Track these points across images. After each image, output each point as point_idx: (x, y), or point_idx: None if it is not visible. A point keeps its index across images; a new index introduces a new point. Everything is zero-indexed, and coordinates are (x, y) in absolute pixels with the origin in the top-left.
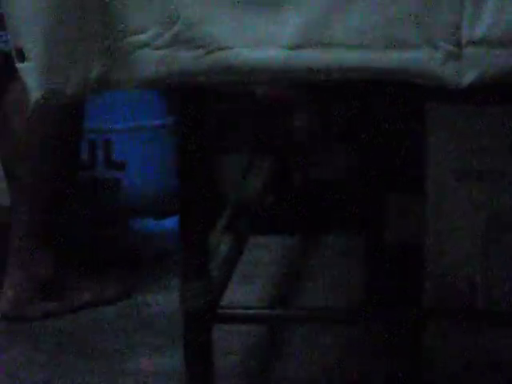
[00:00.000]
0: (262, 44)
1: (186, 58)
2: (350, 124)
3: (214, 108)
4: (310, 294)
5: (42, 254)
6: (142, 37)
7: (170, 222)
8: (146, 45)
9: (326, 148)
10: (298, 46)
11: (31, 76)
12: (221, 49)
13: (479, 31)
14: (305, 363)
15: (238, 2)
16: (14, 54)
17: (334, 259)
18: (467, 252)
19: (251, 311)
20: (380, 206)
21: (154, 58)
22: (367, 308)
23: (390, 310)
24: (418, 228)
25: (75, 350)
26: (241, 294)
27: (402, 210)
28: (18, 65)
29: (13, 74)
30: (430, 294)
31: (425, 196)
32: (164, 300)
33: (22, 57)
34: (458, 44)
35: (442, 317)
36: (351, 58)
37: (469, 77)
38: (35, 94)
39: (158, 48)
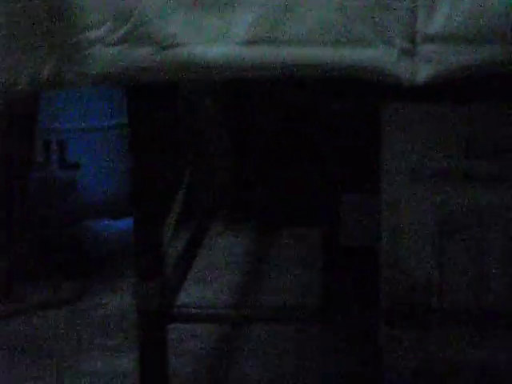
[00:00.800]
0: (216, 41)
1: (139, 55)
2: (304, 124)
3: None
4: (267, 294)
5: None
6: (96, 33)
7: (125, 223)
8: (99, 41)
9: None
10: (251, 43)
11: None
12: (175, 46)
13: (434, 28)
14: (260, 365)
15: None
16: None
17: (291, 259)
18: (421, 251)
19: (206, 311)
20: (335, 206)
21: (107, 54)
22: (325, 308)
23: (347, 310)
24: (373, 228)
25: (28, 352)
26: (195, 295)
27: (357, 210)
28: None
29: None
30: (386, 294)
31: (379, 196)
32: (117, 301)
33: None
34: (413, 41)
35: (398, 316)
36: (304, 54)
37: (423, 74)
38: None
39: (111, 44)
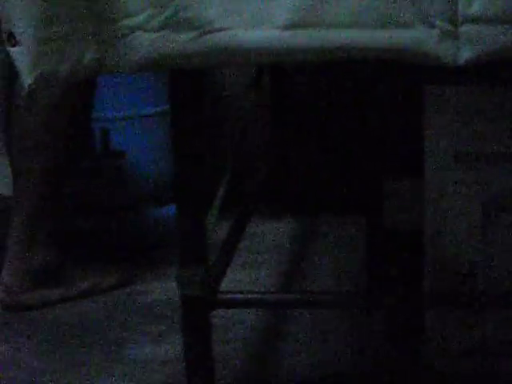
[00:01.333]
0: (257, 24)
1: (179, 40)
2: (347, 106)
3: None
4: (312, 280)
5: (41, 243)
6: (135, 19)
7: (171, 209)
8: (138, 28)
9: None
10: (292, 26)
11: (22, 60)
12: (215, 30)
13: (475, 9)
14: (306, 350)
15: None
16: (4, 37)
17: (334, 245)
18: (466, 235)
19: (251, 296)
20: (378, 191)
21: (147, 40)
22: (368, 293)
23: (391, 295)
24: (416, 212)
25: (73, 339)
26: (240, 280)
27: (401, 194)
28: (9, 49)
29: None
30: (431, 279)
31: (423, 180)
32: (162, 288)
33: (13, 41)
34: (454, 22)
35: (443, 301)
36: (346, 37)
37: (465, 55)
38: (27, 78)
39: (151, 30)
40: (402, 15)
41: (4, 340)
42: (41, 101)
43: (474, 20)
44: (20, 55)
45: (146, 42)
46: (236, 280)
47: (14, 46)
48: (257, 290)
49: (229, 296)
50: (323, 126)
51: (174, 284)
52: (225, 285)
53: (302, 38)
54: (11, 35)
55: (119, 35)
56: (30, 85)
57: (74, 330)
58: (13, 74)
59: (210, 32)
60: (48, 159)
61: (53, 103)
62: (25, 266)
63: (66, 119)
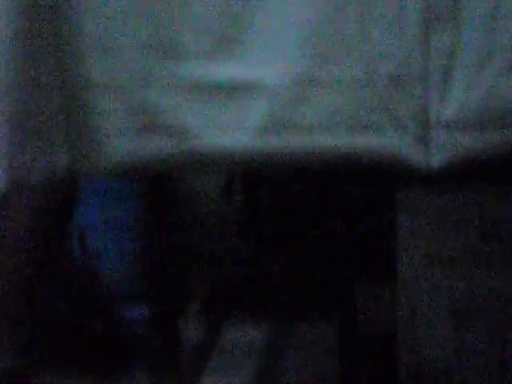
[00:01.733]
0: (228, 130)
1: (153, 145)
2: (316, 211)
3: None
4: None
5: (3, 350)
6: (112, 124)
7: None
8: (113, 134)
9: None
10: (264, 131)
11: None
12: (187, 135)
13: (447, 114)
14: None
15: (207, 90)
16: None
17: (307, 348)
18: (440, 336)
19: None
20: (351, 294)
21: (121, 146)
22: None
23: None
24: (390, 316)
25: None
26: None
27: (374, 297)
28: None
29: None
30: (406, 380)
31: (396, 282)
32: None
33: None
34: (427, 127)
35: None
36: (318, 141)
37: (438, 160)
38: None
39: (125, 136)
40: (375, 120)
41: None
42: (20, 204)
43: (446, 125)
44: None
45: (121, 148)
46: None
47: None
48: None
49: None
50: (295, 229)
51: None
52: None
53: (272, 143)
54: None
55: (94, 140)
56: (1, 189)
57: None
58: None
59: (185, 139)
60: (22, 261)
61: (35, 207)
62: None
63: (47, 222)
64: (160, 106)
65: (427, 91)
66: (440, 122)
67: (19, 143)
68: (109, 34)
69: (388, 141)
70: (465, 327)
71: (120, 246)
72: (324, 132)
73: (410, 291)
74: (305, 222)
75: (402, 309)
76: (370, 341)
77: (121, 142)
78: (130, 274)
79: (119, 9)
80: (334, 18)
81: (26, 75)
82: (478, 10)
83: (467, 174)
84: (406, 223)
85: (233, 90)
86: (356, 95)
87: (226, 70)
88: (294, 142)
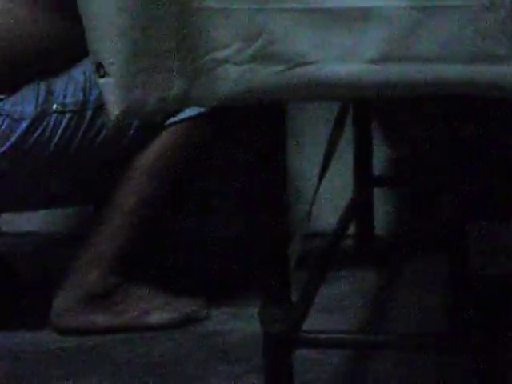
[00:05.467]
0: (345, 59)
1: (267, 74)
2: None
3: None
4: (394, 323)
5: (102, 269)
6: (223, 53)
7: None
8: (226, 61)
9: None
10: (381, 60)
11: (111, 92)
12: (303, 64)
13: None
14: None
15: (321, 16)
16: (93, 68)
17: (417, 289)
18: None
19: (335, 335)
20: (464, 232)
21: (235, 73)
22: (454, 335)
23: (478, 340)
24: (505, 256)
25: (148, 377)
26: (321, 323)
27: (489, 236)
28: (98, 80)
29: None
30: None
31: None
32: (238, 329)
33: (102, 72)
34: None
35: None
36: (436, 71)
37: None
38: (115, 109)
39: (239, 64)
40: (495, 49)
41: (82, 378)
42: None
43: None
44: (108, 86)
45: (234, 75)
46: (317, 323)
47: (102, 76)
48: (337, 330)
49: (313, 335)
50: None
51: (252, 325)
52: (306, 327)
53: (392, 73)
54: (100, 66)
55: (206, 68)
56: (116, 116)
57: (149, 368)
58: None
59: (298, 65)
60: (158, 189)
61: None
62: (79, 290)
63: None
64: (274, 32)
65: None
66: None
67: (135, 70)
68: None
69: (509, 70)
70: None
71: None
72: (442, 62)
73: None
74: (420, 157)
75: None
76: (484, 280)
77: (235, 71)
78: None
79: None
80: None
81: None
82: None
83: None
84: None
85: (348, 18)
86: (475, 23)
87: None
88: (410, 72)
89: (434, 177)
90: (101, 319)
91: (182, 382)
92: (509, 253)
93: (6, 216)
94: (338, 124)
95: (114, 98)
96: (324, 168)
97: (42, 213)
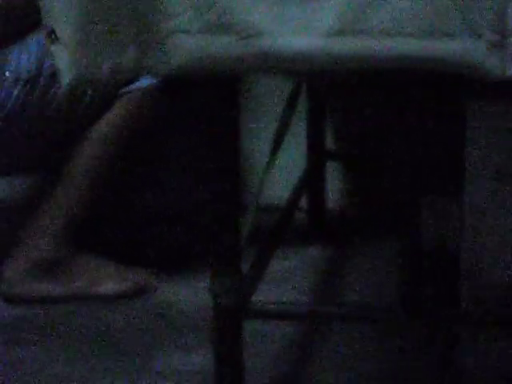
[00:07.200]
0: (300, 32)
1: (221, 44)
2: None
3: None
4: (344, 296)
5: (53, 237)
6: (177, 22)
7: None
8: (180, 30)
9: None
10: (336, 34)
11: (62, 58)
12: (257, 35)
13: None
14: (336, 366)
15: None
16: (45, 35)
17: (368, 266)
18: (505, 254)
19: (286, 307)
20: (415, 208)
21: (188, 43)
22: (404, 305)
23: (426, 311)
24: (453, 229)
25: (99, 347)
26: (270, 295)
27: (439, 211)
28: (48, 46)
29: None
30: (468, 296)
31: (461, 197)
32: (189, 299)
33: (54, 38)
34: (502, 33)
35: (480, 319)
36: (391, 46)
37: None
38: (67, 76)
39: (192, 33)
40: (449, 25)
41: (28, 346)
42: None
43: None
44: (60, 53)
45: (187, 45)
46: (267, 295)
47: (53, 43)
48: (288, 301)
49: (263, 306)
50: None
51: (203, 295)
52: (256, 298)
53: (347, 46)
54: (52, 32)
55: (160, 37)
56: (69, 83)
57: (100, 338)
58: None
59: (252, 36)
60: (112, 159)
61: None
62: (28, 258)
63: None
64: (227, 2)
65: None
66: None
67: (86, 37)
68: None
69: (462, 47)
70: None
71: None
72: (396, 36)
73: (476, 208)
74: (369, 130)
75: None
76: (433, 256)
77: (188, 41)
78: None
79: None
80: None
81: None
82: None
83: None
84: (477, 136)
85: None
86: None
87: None
88: (365, 46)
89: (386, 150)
90: (50, 288)
91: (132, 353)
92: (458, 226)
93: None
94: (292, 97)
95: (65, 64)
96: (277, 141)
97: None
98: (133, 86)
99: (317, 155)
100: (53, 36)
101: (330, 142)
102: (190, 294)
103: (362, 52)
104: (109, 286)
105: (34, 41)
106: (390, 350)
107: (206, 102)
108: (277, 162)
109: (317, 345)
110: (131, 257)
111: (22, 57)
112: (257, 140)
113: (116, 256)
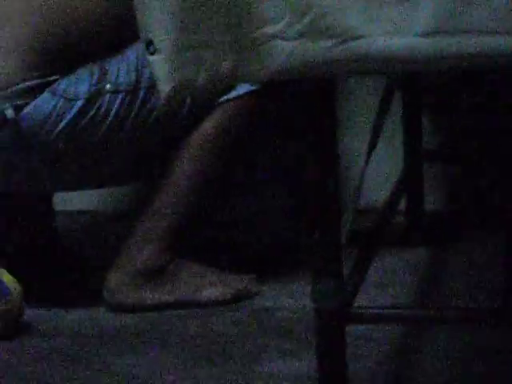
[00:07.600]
0: (397, 32)
1: (318, 48)
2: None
3: None
4: (446, 298)
5: (156, 245)
6: (274, 28)
7: None
8: (277, 36)
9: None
10: (431, 34)
11: (161, 69)
12: (354, 38)
13: None
14: (444, 369)
15: None
16: (143, 46)
17: (469, 266)
18: None
19: (388, 311)
20: None
21: (285, 48)
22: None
23: None
24: None
25: (207, 353)
26: (373, 298)
27: None
28: (148, 57)
29: None
30: None
31: None
32: (290, 305)
33: (152, 49)
34: None
35: None
36: (490, 44)
37: None
38: (165, 86)
39: (289, 39)
40: None
41: (135, 354)
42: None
43: None
44: (158, 63)
45: (284, 51)
46: (368, 299)
47: (152, 54)
48: (390, 305)
49: (365, 310)
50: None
51: (304, 300)
52: (357, 303)
53: (442, 46)
54: (150, 43)
55: (257, 43)
56: (167, 93)
57: (206, 344)
58: None
59: (349, 40)
60: (211, 166)
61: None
62: (132, 267)
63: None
64: (324, 6)
65: None
66: None
67: (185, 46)
68: None
69: None
70: None
71: None
72: (496, 34)
73: None
74: (466, 129)
75: None
76: None
77: (285, 47)
78: None
79: None
80: None
81: None
82: None
83: None
84: None
85: None
86: None
87: None
88: (464, 44)
89: (486, 151)
90: (153, 296)
91: (236, 359)
92: None
93: (60, 195)
94: (386, 98)
95: (163, 74)
96: (372, 143)
97: (95, 191)
98: (230, 95)
99: (414, 156)
100: (151, 47)
101: (426, 143)
102: (291, 299)
103: (458, 51)
104: (211, 293)
105: (133, 52)
106: (498, 351)
107: (303, 107)
108: (374, 165)
109: (419, 348)
110: (230, 262)
111: (121, 69)
112: (354, 140)
113: (216, 261)
